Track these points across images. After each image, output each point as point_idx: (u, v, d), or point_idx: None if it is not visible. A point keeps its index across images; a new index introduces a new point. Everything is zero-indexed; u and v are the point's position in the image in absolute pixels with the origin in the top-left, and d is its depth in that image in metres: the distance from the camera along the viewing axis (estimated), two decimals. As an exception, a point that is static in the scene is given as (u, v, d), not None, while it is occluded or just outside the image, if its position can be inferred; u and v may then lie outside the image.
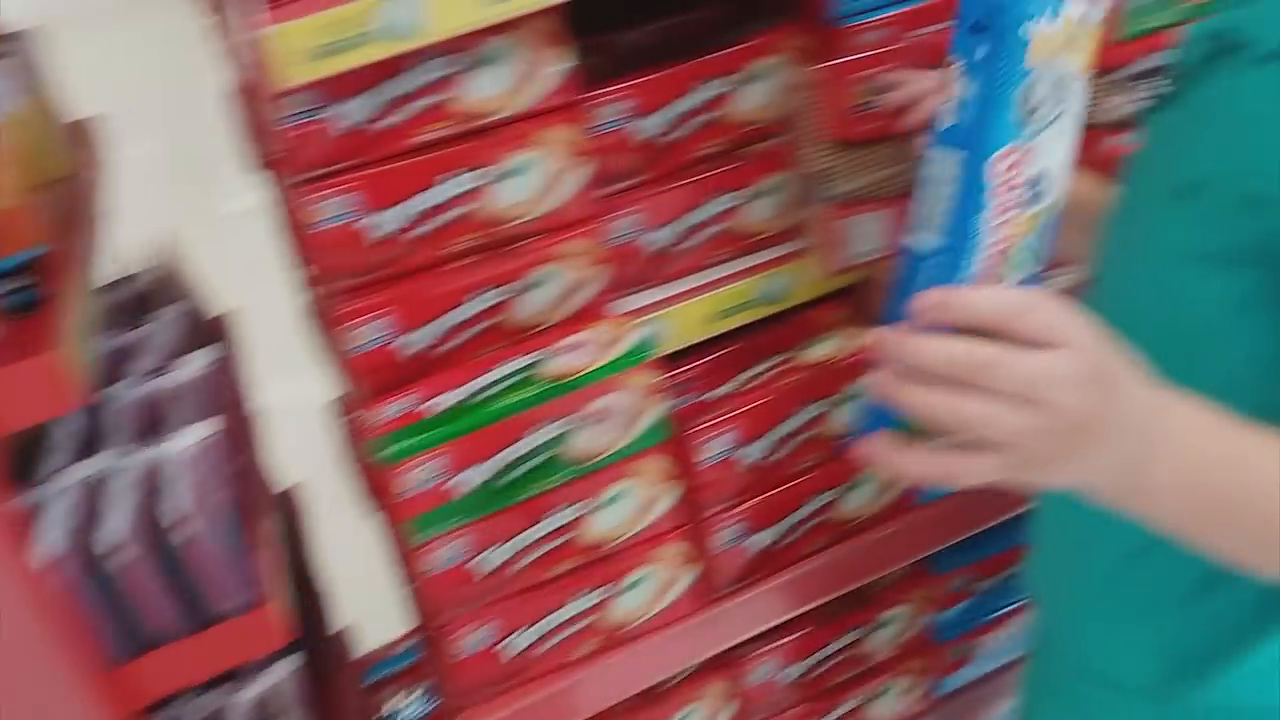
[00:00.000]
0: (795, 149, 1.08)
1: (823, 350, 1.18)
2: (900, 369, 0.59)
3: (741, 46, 1.04)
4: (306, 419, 1.63)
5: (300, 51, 0.79)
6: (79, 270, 0.97)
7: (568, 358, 1.02)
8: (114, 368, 1.17)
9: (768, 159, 1.09)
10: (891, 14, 1.03)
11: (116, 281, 1.30)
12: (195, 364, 1.16)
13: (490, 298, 1.01)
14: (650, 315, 1.09)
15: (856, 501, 1.23)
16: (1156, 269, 0.74)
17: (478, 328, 1.03)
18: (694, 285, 1.12)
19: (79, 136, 1.21)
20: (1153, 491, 0.62)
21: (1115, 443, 0.59)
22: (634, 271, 1.10)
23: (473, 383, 1.01)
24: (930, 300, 0.59)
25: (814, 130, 1.03)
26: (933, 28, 1.03)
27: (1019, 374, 0.56)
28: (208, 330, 1.26)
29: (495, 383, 1.02)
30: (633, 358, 1.02)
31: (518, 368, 1.02)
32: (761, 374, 1.17)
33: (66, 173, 1.09)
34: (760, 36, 1.05)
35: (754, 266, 1.13)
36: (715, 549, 1.16)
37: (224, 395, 1.19)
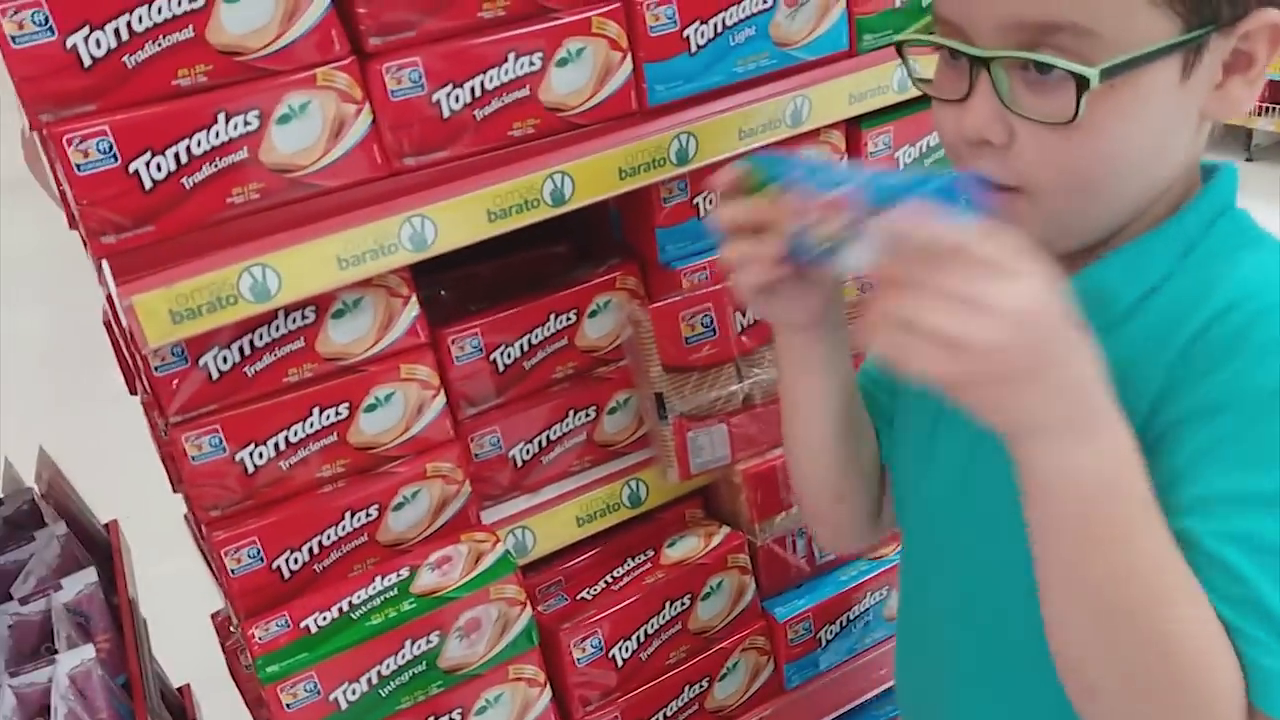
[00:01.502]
0: (636, 372, 1.14)
1: (683, 548, 1.21)
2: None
3: (585, 285, 1.12)
4: (197, 618, 1.60)
5: (163, 315, 0.83)
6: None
7: (437, 573, 1.04)
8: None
9: (615, 380, 1.16)
10: (710, 259, 1.14)
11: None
12: (79, 583, 1.16)
13: (360, 518, 1.04)
14: (519, 523, 1.13)
15: (727, 690, 1.24)
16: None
17: (350, 546, 1.05)
18: (558, 493, 1.16)
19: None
20: (1080, 465, 0.55)
21: (1064, 391, 0.54)
22: (501, 483, 1.14)
23: (345, 600, 1.03)
24: (906, 214, 0.55)
25: (651, 357, 1.11)
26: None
27: (960, 283, 0.52)
28: (92, 543, 1.25)
29: (369, 599, 1.03)
30: (498, 570, 1.05)
31: (390, 584, 1.04)
32: (627, 573, 1.20)
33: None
34: (600, 275, 1.14)
35: (613, 474, 1.18)
36: (589, 747, 1.16)
37: (109, 610, 1.19)
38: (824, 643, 1.27)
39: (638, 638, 1.15)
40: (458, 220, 0.95)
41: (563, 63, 0.98)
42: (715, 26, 1.04)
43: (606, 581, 1.18)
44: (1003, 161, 0.64)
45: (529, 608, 1.05)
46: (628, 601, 1.15)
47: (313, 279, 0.90)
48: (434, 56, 0.92)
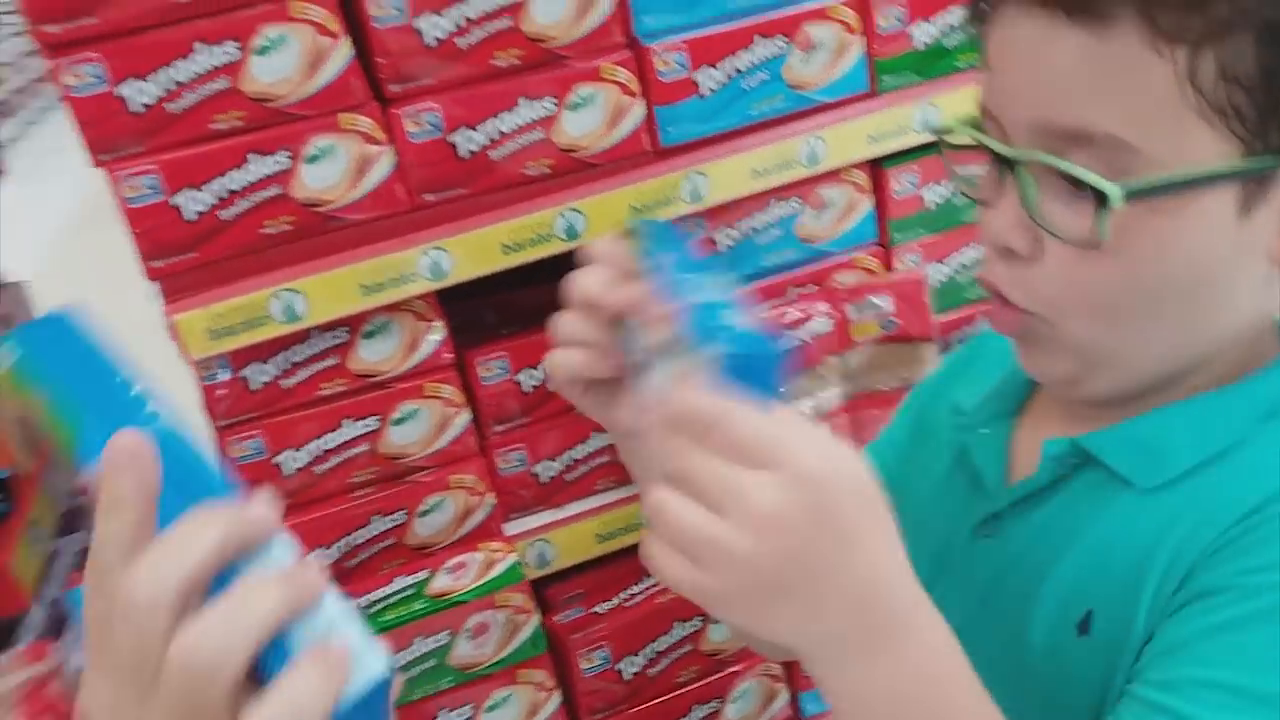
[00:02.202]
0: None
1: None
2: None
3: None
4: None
5: (201, 332, 0.93)
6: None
7: (450, 578, 1.10)
8: (82, 562, 1.28)
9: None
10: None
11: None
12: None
13: (387, 522, 1.11)
14: (540, 536, 1.17)
15: (739, 713, 1.24)
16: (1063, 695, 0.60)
17: (379, 547, 1.12)
18: (580, 510, 1.20)
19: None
20: (870, 688, 0.48)
21: (838, 604, 0.46)
22: (526, 497, 1.19)
23: (366, 597, 1.09)
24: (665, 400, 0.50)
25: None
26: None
27: (700, 476, 0.46)
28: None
29: (387, 597, 1.10)
30: (506, 578, 1.09)
31: (407, 585, 1.10)
32: (643, 591, 1.22)
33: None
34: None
35: (634, 495, 1.20)
36: (598, 756, 1.18)
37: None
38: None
39: (646, 654, 1.17)
40: (474, 252, 1.01)
41: (574, 107, 1.03)
42: (726, 71, 1.07)
43: (622, 597, 1.21)
44: (1025, 277, 0.56)
45: (536, 615, 1.09)
46: (637, 618, 1.17)
47: (337, 303, 0.98)
48: (450, 102, 0.98)
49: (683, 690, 1.20)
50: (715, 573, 0.45)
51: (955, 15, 1.15)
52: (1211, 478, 0.55)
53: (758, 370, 0.50)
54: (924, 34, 1.15)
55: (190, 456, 0.41)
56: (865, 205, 1.20)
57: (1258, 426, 0.55)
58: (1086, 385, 0.58)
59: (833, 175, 1.16)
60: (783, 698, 1.24)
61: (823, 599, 0.46)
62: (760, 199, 1.14)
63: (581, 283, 0.60)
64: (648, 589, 1.22)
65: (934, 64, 1.16)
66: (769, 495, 0.44)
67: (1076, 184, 0.52)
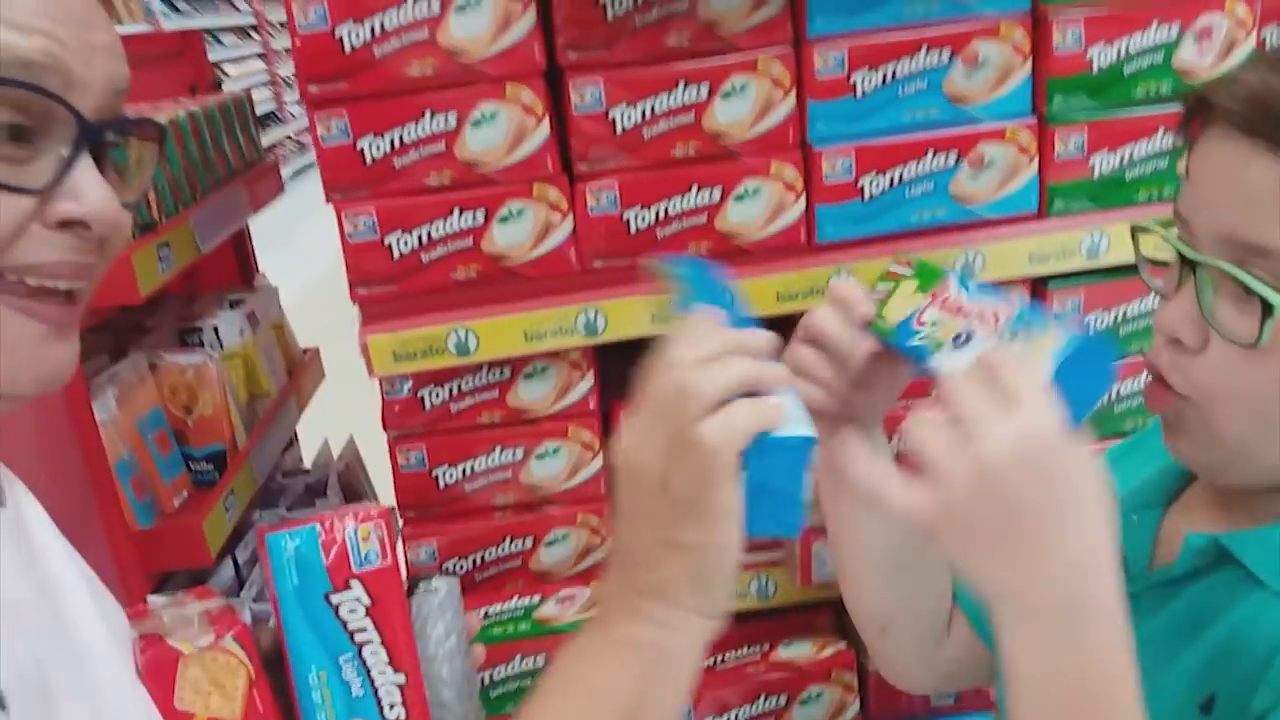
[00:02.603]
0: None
1: (795, 650, 1.27)
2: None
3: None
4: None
5: (388, 354, 1.09)
6: (248, 464, 1.30)
7: (559, 606, 1.20)
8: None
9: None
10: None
11: (301, 470, 1.66)
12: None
13: (518, 544, 1.23)
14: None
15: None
16: None
17: (507, 566, 1.24)
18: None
19: (294, 363, 1.60)
20: (1061, 666, 0.53)
21: (1053, 568, 0.53)
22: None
23: (484, 609, 1.21)
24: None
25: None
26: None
27: (968, 400, 0.53)
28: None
29: (501, 613, 1.21)
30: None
31: (521, 605, 1.21)
32: (737, 659, 1.27)
33: (269, 390, 1.46)
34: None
35: (745, 564, 1.26)
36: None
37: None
38: (927, 781, 1.25)
39: (731, 718, 1.22)
40: (625, 317, 1.12)
41: (739, 198, 1.12)
42: (891, 179, 1.13)
43: (713, 661, 1.27)
44: (1187, 365, 0.62)
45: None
46: (725, 685, 1.23)
47: (502, 345, 1.11)
48: (627, 183, 1.10)
49: (764, 760, 1.24)
50: (944, 488, 0.53)
51: (1137, 148, 1.16)
52: None
53: (1094, 361, 0.58)
54: (1104, 164, 1.16)
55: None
56: (1021, 322, 1.22)
57: None
58: (1220, 472, 0.64)
59: (989, 289, 1.19)
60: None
61: (1039, 557, 0.53)
62: (910, 302, 1.19)
63: (818, 319, 0.67)
64: (742, 657, 1.27)
65: (1109, 195, 1.17)
66: (1011, 429, 0.52)
67: (1248, 291, 0.58)
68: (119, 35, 0.54)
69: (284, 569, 0.68)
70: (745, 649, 1.28)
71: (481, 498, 1.22)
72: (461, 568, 1.23)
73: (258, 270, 1.73)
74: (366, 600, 0.69)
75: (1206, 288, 0.60)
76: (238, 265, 1.69)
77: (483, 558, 1.23)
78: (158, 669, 0.66)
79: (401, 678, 0.70)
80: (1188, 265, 0.62)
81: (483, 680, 1.16)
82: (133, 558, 1.09)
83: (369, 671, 0.70)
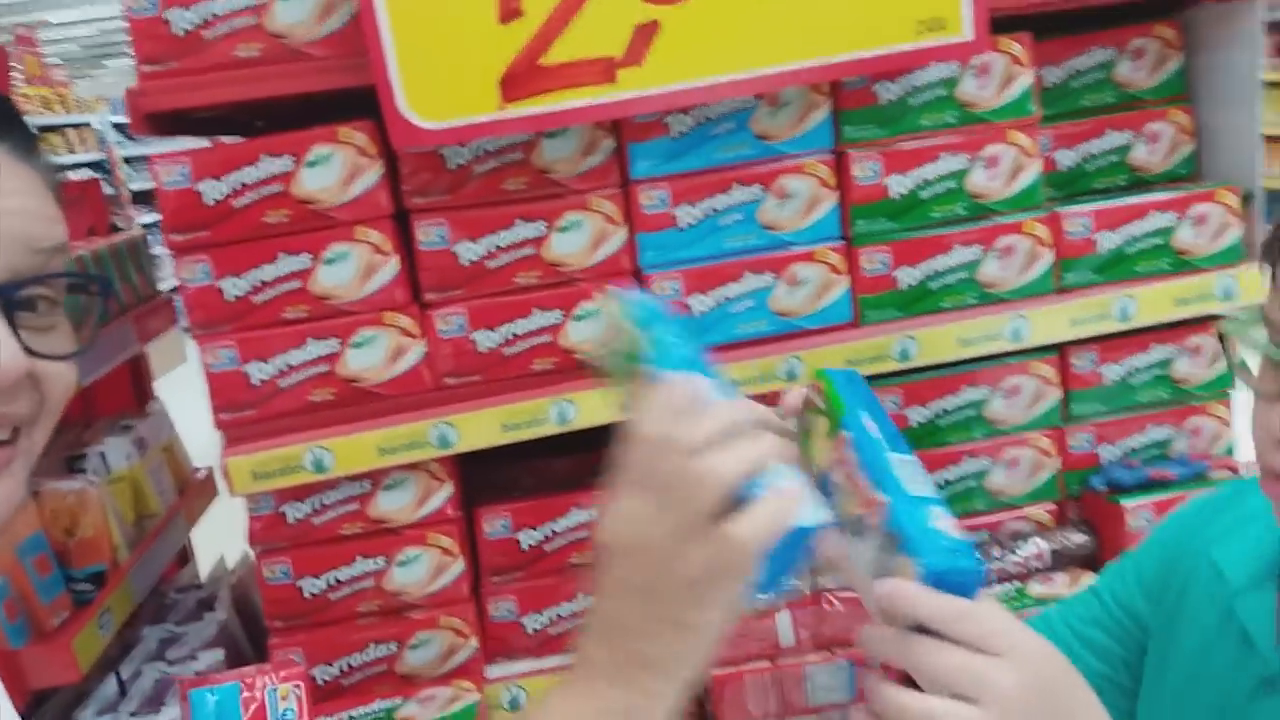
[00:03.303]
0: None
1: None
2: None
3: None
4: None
5: (247, 474, 1.18)
6: (126, 582, 1.37)
7: (419, 707, 1.27)
8: (160, 650, 1.54)
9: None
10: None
11: (195, 585, 1.71)
12: (209, 659, 1.51)
13: (382, 650, 1.31)
14: (517, 681, 1.33)
15: None
16: None
17: (373, 671, 1.31)
18: (559, 664, 1.35)
19: (185, 482, 1.68)
20: None
21: None
22: (513, 645, 1.36)
23: (348, 713, 1.28)
24: (887, 589, 0.59)
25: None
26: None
27: (949, 669, 0.57)
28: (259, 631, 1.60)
29: (363, 716, 1.28)
30: (462, 716, 1.26)
31: (384, 708, 1.28)
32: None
33: (158, 510, 1.54)
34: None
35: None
36: None
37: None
38: None
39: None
40: (477, 429, 1.23)
41: (578, 318, 1.24)
42: (715, 299, 1.26)
43: None
44: None
45: (501, 742, 1.25)
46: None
47: (358, 461, 1.21)
48: (474, 309, 1.22)
49: None
50: (993, 705, 0.56)
51: (937, 262, 1.31)
52: None
53: (960, 584, 0.59)
54: (908, 277, 1.31)
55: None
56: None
57: None
58: None
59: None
60: None
61: None
62: (744, 408, 1.31)
63: (762, 414, 0.68)
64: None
65: (916, 302, 1.31)
66: (1011, 678, 0.56)
67: None
68: (41, 196, 0.58)
69: None
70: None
71: (346, 606, 1.30)
72: (329, 674, 1.30)
73: (153, 396, 1.82)
74: None
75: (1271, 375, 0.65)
76: (133, 391, 1.77)
77: (349, 664, 1.31)
78: None
79: None
80: None
81: (345, 783, 1.23)
82: (6, 676, 1.15)
83: None
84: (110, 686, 1.45)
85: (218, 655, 1.52)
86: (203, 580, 1.80)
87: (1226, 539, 0.82)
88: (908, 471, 0.65)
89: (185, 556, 1.79)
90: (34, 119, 5.48)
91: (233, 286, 1.17)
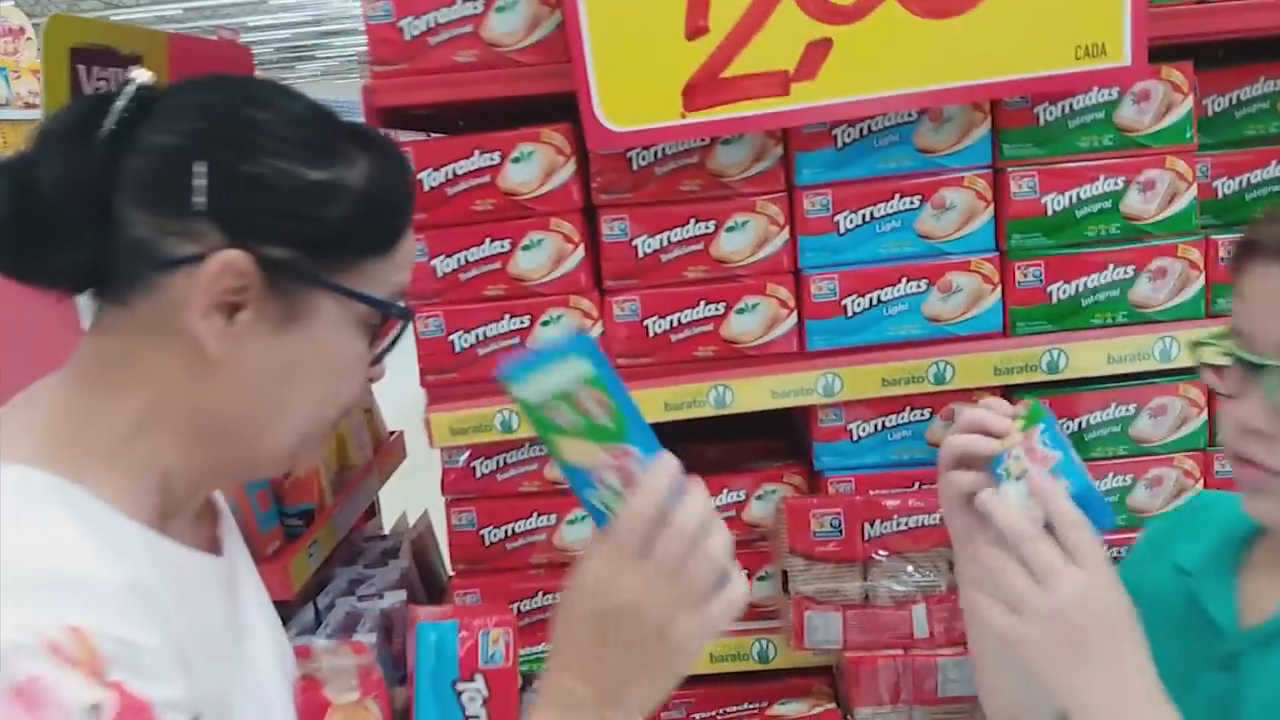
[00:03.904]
0: (776, 551, 1.43)
1: (789, 709, 1.43)
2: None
3: (756, 473, 1.45)
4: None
5: (445, 429, 1.35)
6: (331, 521, 1.57)
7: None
8: (350, 587, 1.74)
9: (766, 554, 1.45)
10: (861, 474, 1.40)
11: (380, 536, 1.92)
12: (393, 601, 1.69)
13: (549, 599, 1.45)
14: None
15: None
16: None
17: (539, 618, 1.46)
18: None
19: (379, 442, 1.88)
20: None
21: (1107, 675, 0.73)
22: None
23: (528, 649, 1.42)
24: (1041, 482, 0.76)
25: (783, 540, 1.39)
26: (887, 491, 1.38)
27: (1042, 558, 0.74)
28: (433, 586, 1.78)
29: (537, 654, 1.43)
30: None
31: (533, 652, 1.42)
32: (736, 713, 1.45)
33: (356, 463, 1.74)
34: (772, 468, 1.46)
35: (748, 630, 1.45)
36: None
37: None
38: (901, 841, 1.38)
39: (724, 766, 1.39)
40: (643, 406, 1.33)
41: (740, 311, 1.36)
42: (870, 300, 1.36)
43: (717, 713, 1.45)
44: (1269, 448, 0.78)
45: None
46: (722, 735, 1.40)
47: (539, 425, 1.36)
48: (647, 298, 1.36)
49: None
50: (1031, 623, 0.74)
51: (1090, 280, 1.36)
52: None
53: (1093, 513, 0.77)
54: (1060, 292, 1.36)
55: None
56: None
57: None
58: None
59: (965, 393, 1.39)
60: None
61: (1099, 669, 0.73)
62: (892, 403, 1.39)
63: (977, 413, 0.88)
64: (741, 713, 1.45)
65: (1067, 317, 1.36)
66: (1081, 582, 0.73)
67: None
68: None
69: (426, 652, 0.88)
70: (745, 705, 1.46)
71: (520, 555, 1.45)
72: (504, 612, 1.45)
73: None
74: (485, 693, 0.86)
75: (1274, 385, 0.76)
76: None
77: (520, 608, 1.45)
78: (310, 712, 0.82)
79: None
80: (1251, 369, 0.78)
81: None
82: (234, 587, 1.36)
83: None
84: (308, 613, 1.65)
85: (400, 596, 1.70)
86: (386, 533, 2.00)
87: (1189, 540, 0.93)
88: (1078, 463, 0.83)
89: (373, 511, 2.00)
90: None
91: (443, 264, 1.35)
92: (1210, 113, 1.41)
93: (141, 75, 0.66)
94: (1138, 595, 0.92)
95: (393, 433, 2.00)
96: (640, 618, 0.68)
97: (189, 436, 0.71)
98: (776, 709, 1.44)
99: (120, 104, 0.66)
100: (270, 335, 0.70)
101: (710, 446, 1.58)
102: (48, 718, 0.56)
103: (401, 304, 0.78)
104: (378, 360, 0.80)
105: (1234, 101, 1.42)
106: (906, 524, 1.36)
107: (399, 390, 1.65)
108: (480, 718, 0.87)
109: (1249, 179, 1.40)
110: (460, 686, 0.87)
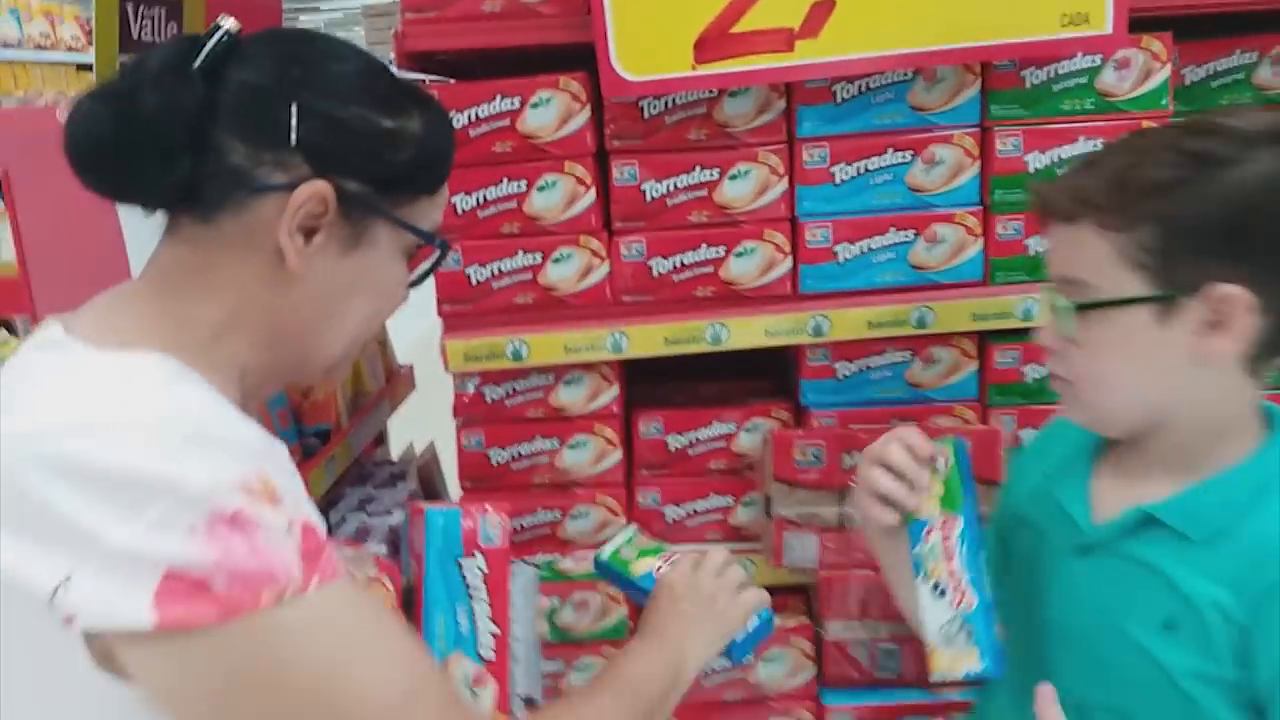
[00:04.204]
0: (761, 479, 1.54)
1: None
2: None
3: (745, 408, 1.55)
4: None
5: (460, 355, 1.44)
6: (346, 440, 1.67)
7: (574, 563, 1.52)
8: (360, 505, 1.85)
9: (752, 482, 1.56)
10: (842, 410, 1.51)
11: (388, 461, 2.02)
12: (400, 516, 1.80)
13: (547, 515, 1.56)
14: (656, 561, 1.56)
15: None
16: (1155, 685, 0.91)
17: (537, 534, 1.57)
18: (689, 550, 1.57)
19: (391, 372, 1.98)
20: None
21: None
22: (653, 528, 1.59)
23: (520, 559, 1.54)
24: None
25: (768, 468, 1.50)
26: (869, 425, 1.48)
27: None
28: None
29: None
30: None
31: (538, 561, 1.54)
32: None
33: (370, 389, 1.83)
34: (760, 404, 1.56)
35: (733, 550, 1.56)
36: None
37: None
38: (867, 743, 1.51)
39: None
40: (644, 340, 1.45)
41: (739, 254, 1.45)
42: (860, 248, 1.45)
43: (704, 624, 1.56)
44: (1059, 361, 0.96)
45: (626, 606, 1.48)
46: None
47: (548, 356, 1.46)
48: (653, 239, 1.44)
49: (727, 706, 1.53)
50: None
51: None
52: (1229, 548, 0.88)
53: (981, 626, 0.99)
54: (1038, 244, 1.45)
55: None
56: (970, 366, 1.51)
57: (1254, 503, 0.89)
58: (1095, 427, 0.97)
59: (943, 338, 1.49)
60: None
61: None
62: (875, 344, 1.49)
63: (898, 457, 1.02)
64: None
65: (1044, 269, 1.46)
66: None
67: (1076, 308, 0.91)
68: None
69: (434, 533, 0.97)
70: (727, 619, 1.58)
71: (523, 476, 1.55)
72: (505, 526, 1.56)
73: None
74: (484, 569, 0.97)
75: (1060, 310, 0.93)
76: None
77: (521, 524, 1.57)
78: None
79: (496, 629, 0.98)
80: (1046, 296, 0.96)
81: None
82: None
83: (475, 619, 0.98)
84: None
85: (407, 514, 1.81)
86: (394, 459, 2.10)
87: (1051, 454, 1.07)
88: (985, 575, 1.00)
89: (381, 438, 2.09)
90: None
91: (463, 201, 1.43)
92: (1188, 82, 1.50)
93: (228, 22, 0.74)
94: (1016, 508, 1.09)
95: (403, 366, 2.09)
96: (702, 625, 1.07)
97: (261, 340, 0.81)
98: (757, 622, 1.56)
99: (211, 44, 0.74)
100: (338, 256, 0.80)
101: (705, 384, 1.69)
102: (259, 536, 0.68)
103: (444, 239, 0.88)
104: (415, 284, 0.90)
105: (1210, 73, 1.50)
106: (884, 456, 1.47)
107: (409, 326, 1.74)
108: (480, 589, 0.98)
109: (1220, 146, 1.49)
110: (463, 562, 0.97)
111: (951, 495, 1.01)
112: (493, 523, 1.01)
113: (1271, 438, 0.93)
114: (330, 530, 1.77)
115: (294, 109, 0.75)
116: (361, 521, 1.80)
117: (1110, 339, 0.90)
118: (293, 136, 0.76)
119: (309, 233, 0.78)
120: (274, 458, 0.75)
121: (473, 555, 0.98)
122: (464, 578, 0.97)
